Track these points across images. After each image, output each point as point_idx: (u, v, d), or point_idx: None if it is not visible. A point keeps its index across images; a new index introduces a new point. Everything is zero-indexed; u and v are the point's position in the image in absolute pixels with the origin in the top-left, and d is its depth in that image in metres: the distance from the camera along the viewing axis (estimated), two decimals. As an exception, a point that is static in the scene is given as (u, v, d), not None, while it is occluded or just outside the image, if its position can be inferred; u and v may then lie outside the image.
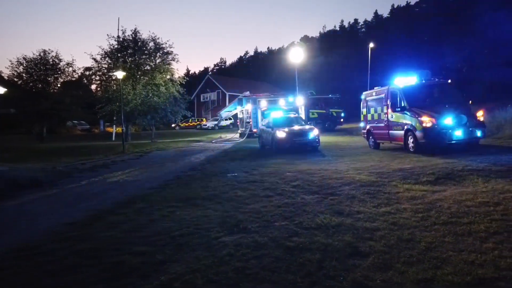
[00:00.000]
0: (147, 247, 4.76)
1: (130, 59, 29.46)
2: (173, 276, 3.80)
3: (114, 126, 34.65)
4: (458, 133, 11.31)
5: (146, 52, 29.75)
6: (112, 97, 27.69)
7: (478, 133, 11.71)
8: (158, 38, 29.91)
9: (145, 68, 29.72)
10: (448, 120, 11.39)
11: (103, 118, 37.21)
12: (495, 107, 18.75)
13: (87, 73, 30.07)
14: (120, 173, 12.33)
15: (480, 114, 12.08)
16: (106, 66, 29.30)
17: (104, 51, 28.98)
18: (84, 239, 5.28)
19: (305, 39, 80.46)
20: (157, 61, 30.00)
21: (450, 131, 11.30)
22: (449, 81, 13.69)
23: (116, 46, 29.40)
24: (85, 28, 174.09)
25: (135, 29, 29.48)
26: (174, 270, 3.96)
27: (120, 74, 21.59)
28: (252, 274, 3.73)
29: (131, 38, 29.45)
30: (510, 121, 16.12)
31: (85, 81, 32.45)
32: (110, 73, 28.71)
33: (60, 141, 30.22)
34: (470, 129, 11.48)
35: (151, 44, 29.76)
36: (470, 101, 13.08)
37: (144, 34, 29.83)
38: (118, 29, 29.68)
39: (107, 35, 31.87)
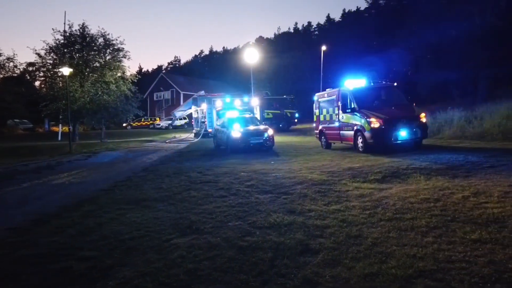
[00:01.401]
0: (95, 251, 4.58)
1: (77, 55, 28.18)
2: (121, 281, 3.68)
3: (60, 125, 33.00)
4: (403, 134, 11.94)
5: (95, 48, 28.58)
6: (58, 95, 26.33)
7: (421, 134, 12.44)
8: (108, 34, 28.90)
9: (94, 65, 28.55)
10: (394, 121, 11.99)
11: (48, 117, 35.26)
12: (436, 109, 20.02)
13: (30, 69, 28.51)
14: (66, 174, 11.73)
15: (422, 116, 12.82)
16: (51, 62, 27.90)
17: (49, 46, 27.55)
18: (26, 245, 4.97)
19: (260, 40, 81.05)
20: (107, 58, 28.92)
21: (396, 131, 11.90)
22: (395, 84, 14.43)
23: (62, 41, 28.00)
24: (28, 20, 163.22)
25: (83, 24, 28.25)
26: (123, 275, 3.83)
27: (66, 71, 20.58)
28: (204, 276, 3.70)
29: (78, 33, 28.18)
30: (449, 122, 17.28)
31: (28, 78, 30.59)
32: (55, 69, 27.29)
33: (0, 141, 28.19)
34: (414, 129, 12.16)
35: (101, 40, 28.68)
36: (414, 103, 13.88)
37: (93, 30, 28.77)
38: (64, 23, 28.20)
39: (53, 29, 30.22)
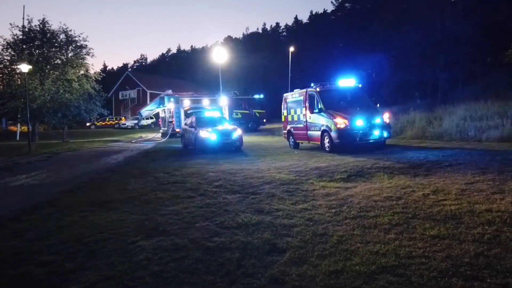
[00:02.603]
0: (55, 256, 4.40)
1: (37, 51, 26.95)
2: (84, 285, 3.57)
3: (19, 124, 31.44)
4: (368, 134, 12.30)
5: (56, 44, 27.43)
6: (16, 93, 25.10)
7: (385, 134, 12.86)
8: (70, 30, 27.78)
9: (55, 62, 27.40)
10: (359, 122, 12.32)
11: (5, 116, 33.55)
12: (399, 110, 20.76)
13: (-15, 65, 26.81)
14: (25, 176, 11.19)
15: (386, 117, 13.25)
16: (9, 58, 26.57)
17: (7, 42, 26.19)
18: (-22, 252, 4.69)
19: (229, 39, 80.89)
20: (69, 54, 27.83)
21: (361, 131, 12.23)
22: (360, 85, 14.83)
23: (21, 37, 26.68)
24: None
25: (43, 19, 27.05)
26: (86, 279, 3.71)
27: (25, 68, 19.64)
28: (170, 278, 3.64)
29: (38, 29, 26.94)
30: (411, 123, 17.96)
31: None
32: (13, 66, 25.99)
33: (-49, 141, 26.49)
34: (378, 130, 12.54)
35: (62, 36, 27.53)
36: (378, 104, 14.33)
37: (54, 25, 27.62)
38: (23, 18, 26.91)
39: (10, 24, 28.84)
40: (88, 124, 44.94)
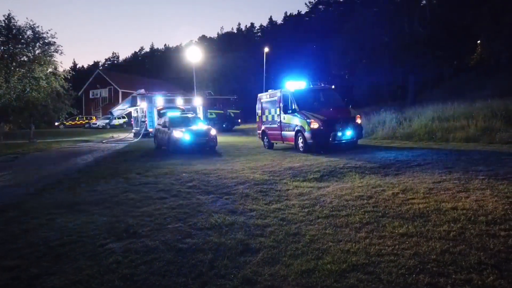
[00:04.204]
0: (19, 260, 4.22)
1: (2, 48, 25.79)
2: (49, 291, 3.43)
3: (-18, 124, 29.97)
4: (341, 134, 12.50)
5: (22, 41, 26.32)
6: (-21, 91, 23.92)
7: (357, 134, 13.11)
8: (38, 27, 26.73)
9: (22, 59, 26.30)
10: (332, 122, 12.50)
11: (-34, 115, 31.83)
12: (370, 111, 21.23)
13: None
14: (-12, 178, 10.69)
15: (358, 117, 13.52)
16: (-29, 54, 25.24)
17: (-31, 37, 24.92)
18: None
19: (203, 38, 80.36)
20: (37, 52, 26.77)
21: (334, 132, 12.42)
22: (333, 86, 15.06)
23: (-16, 33, 25.47)
24: None
25: (8, 15, 25.89)
26: (52, 284, 3.59)
27: (-12, 65, 18.76)
28: (141, 280, 3.57)
29: (3, 25, 25.78)
30: (382, 123, 18.40)
31: None
32: (-25, 63, 24.77)
33: None
34: (350, 130, 12.78)
35: (29, 32, 26.43)
36: (350, 105, 14.59)
37: (21, 21, 26.49)
38: (-13, 13, 25.68)
39: (-27, 18, 27.34)
40: (57, 123, 43.49)
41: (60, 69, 27.94)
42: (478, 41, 35.29)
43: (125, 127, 40.19)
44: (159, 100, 25.00)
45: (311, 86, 14.53)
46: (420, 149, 11.88)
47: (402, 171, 8.19)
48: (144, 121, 25.89)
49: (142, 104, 25.90)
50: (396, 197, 5.95)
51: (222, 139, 20.08)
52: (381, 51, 35.08)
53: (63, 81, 27.30)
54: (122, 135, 28.37)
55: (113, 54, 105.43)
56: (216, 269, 3.72)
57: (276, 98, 14.95)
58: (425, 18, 33.49)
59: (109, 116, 38.53)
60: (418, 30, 32.68)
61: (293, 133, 13.55)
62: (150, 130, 23.96)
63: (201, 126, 16.50)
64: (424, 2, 35.72)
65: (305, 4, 64.28)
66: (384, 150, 12.12)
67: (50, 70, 26.88)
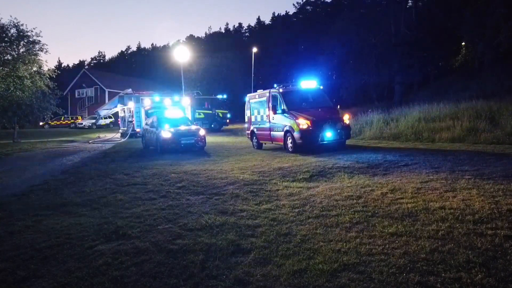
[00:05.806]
0: (5, 263, 4.15)
1: (-15, 46, 25.20)
2: (37, 295, 3.37)
3: (-36, 123, 29.23)
4: (329, 135, 12.57)
5: (6, 39, 25.78)
6: (-39, 90, 23.36)
7: (345, 135, 13.20)
8: (22, 25, 26.22)
9: (5, 57, 25.74)
10: (321, 123, 12.57)
11: None
12: (358, 111, 21.41)
13: None
14: (-29, 179, 10.43)
15: (346, 118, 13.61)
16: (-47, 53, 24.60)
17: (-49, 35, 24.29)
18: None
19: (191, 38, 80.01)
20: (21, 50, 26.24)
21: (322, 132, 12.48)
22: (321, 87, 15.14)
23: (-34, 30, 24.87)
24: None
25: (-8, 12, 25.40)
26: (40, 287, 3.53)
27: (-29, 63, 18.32)
28: (131, 282, 3.53)
29: (-14, 22, 25.24)
30: (370, 124, 18.58)
31: None
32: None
33: None
34: (339, 131, 12.86)
35: (13, 30, 25.91)
36: (338, 105, 14.69)
37: (4, 19, 25.95)
38: (-31, 10, 25.11)
39: (-46, 15, 26.69)
40: (41, 123, 42.76)
41: (45, 68, 27.44)
42: (463, 43, 35.97)
43: (112, 127, 39.74)
44: (147, 100, 24.77)
45: (300, 86, 14.57)
46: (407, 149, 12.03)
47: (390, 171, 8.28)
48: (131, 121, 25.62)
49: (130, 104, 25.64)
50: (385, 197, 6.02)
51: (210, 139, 20.01)
52: (368, 52, 35.42)
53: (48, 80, 26.83)
54: (109, 135, 28.02)
55: (99, 53, 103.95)
56: (207, 270, 3.71)
57: (265, 98, 14.96)
58: (411, 20, 33.97)
59: (96, 116, 38.05)
60: (404, 32, 33.12)
61: (282, 133, 13.57)
62: (138, 130, 23.73)
63: (189, 126, 16.40)
64: (410, 4, 36.20)
65: (293, 4, 64.76)
66: (372, 150, 12.23)
67: (34, 69, 26.38)
